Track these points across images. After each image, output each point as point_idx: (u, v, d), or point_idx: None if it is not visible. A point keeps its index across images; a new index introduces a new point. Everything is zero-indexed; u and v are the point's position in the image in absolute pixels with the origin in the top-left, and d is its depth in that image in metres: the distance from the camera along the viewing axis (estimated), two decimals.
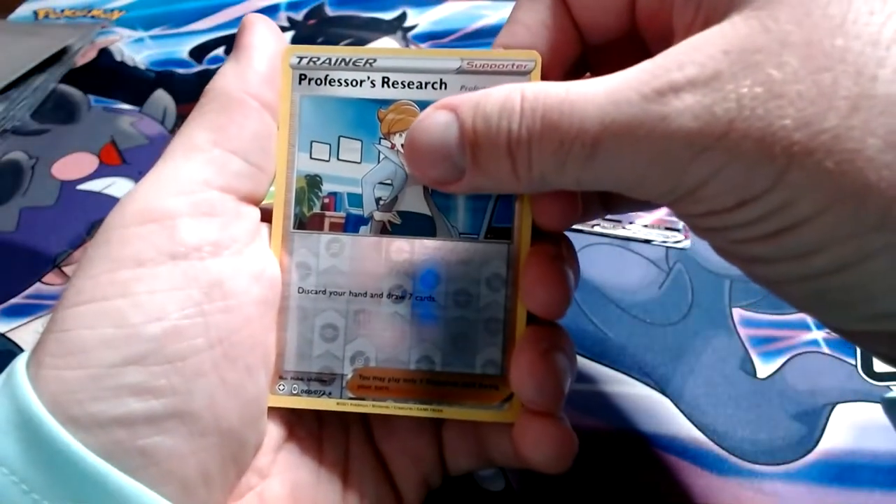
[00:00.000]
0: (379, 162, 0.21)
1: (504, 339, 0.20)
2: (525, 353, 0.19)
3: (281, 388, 0.20)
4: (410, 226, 0.21)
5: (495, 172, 0.17)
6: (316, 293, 0.21)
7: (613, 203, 0.24)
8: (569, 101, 0.15)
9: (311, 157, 0.21)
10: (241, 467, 0.19)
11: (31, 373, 0.17)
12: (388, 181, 0.21)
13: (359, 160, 0.21)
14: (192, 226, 0.18)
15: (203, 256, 0.18)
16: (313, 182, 0.21)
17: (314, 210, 0.21)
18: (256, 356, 0.19)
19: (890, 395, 0.17)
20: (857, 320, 0.16)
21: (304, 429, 0.21)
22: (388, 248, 0.21)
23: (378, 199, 0.21)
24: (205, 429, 0.17)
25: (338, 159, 0.21)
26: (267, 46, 0.20)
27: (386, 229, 0.21)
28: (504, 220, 0.20)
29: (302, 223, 0.21)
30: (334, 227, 0.21)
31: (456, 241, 0.20)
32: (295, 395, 0.20)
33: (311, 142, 0.21)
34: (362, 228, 0.21)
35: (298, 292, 0.21)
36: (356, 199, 0.21)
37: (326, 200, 0.21)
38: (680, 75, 0.14)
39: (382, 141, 0.21)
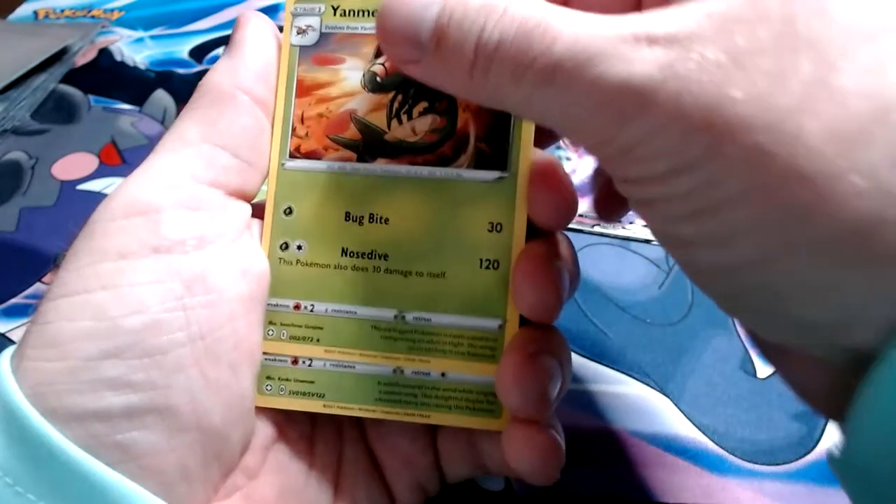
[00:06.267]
0: None
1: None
2: (511, 356, 0.18)
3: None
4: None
5: (453, 66, 0.16)
6: None
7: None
8: (549, 20, 0.15)
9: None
10: (226, 466, 0.19)
11: (14, 365, 0.17)
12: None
13: None
14: (177, 219, 0.18)
15: (186, 250, 0.18)
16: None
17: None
18: (241, 353, 0.19)
19: (834, 450, 0.16)
20: (778, 328, 0.15)
21: (296, 429, 0.21)
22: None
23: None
24: (184, 424, 0.17)
25: None
26: (260, 42, 0.20)
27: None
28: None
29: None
30: None
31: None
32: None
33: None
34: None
35: None
36: None
37: None
38: (660, 29, 0.14)
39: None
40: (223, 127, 0.19)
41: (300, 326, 0.20)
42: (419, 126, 0.20)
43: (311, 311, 0.20)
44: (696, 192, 0.14)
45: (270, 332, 0.20)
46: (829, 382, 0.16)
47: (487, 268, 0.20)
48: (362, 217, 0.20)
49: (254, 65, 0.20)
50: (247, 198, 0.20)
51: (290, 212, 0.20)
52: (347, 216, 0.20)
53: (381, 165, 0.20)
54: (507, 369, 0.18)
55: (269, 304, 0.20)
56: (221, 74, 0.20)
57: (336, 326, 0.20)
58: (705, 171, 0.14)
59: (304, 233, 0.20)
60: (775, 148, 0.13)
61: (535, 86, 0.15)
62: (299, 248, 0.20)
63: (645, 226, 0.35)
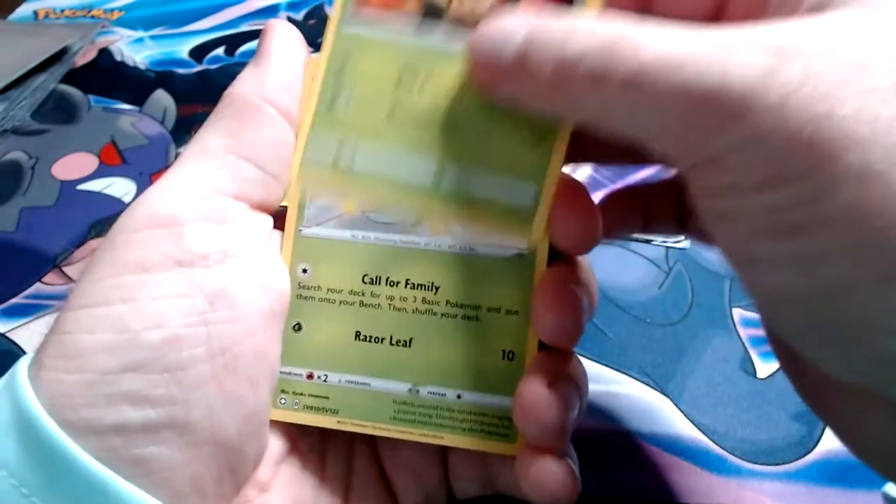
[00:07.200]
0: None
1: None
2: (529, 383, 0.18)
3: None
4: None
5: (535, 86, 0.16)
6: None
7: (655, 219, 0.24)
8: (636, 33, 0.14)
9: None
10: (239, 479, 0.19)
11: (32, 374, 0.16)
12: None
13: None
14: (201, 233, 0.18)
15: (209, 264, 0.18)
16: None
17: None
18: (260, 368, 0.19)
19: (889, 491, 0.15)
20: (856, 364, 0.15)
21: (307, 443, 0.21)
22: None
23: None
24: (201, 439, 0.17)
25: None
26: (287, 52, 0.20)
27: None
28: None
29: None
30: None
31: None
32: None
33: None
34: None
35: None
36: None
37: None
38: (759, 37, 0.13)
39: None
40: (248, 138, 0.19)
41: (338, 175, 0.20)
42: (479, 7, 0.19)
43: (352, 159, 0.20)
44: (793, 206, 0.13)
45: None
46: (891, 432, 0.15)
47: (534, 144, 0.19)
48: (413, 85, 0.19)
49: (280, 75, 0.20)
50: (269, 211, 0.20)
51: (343, 70, 0.20)
52: (398, 83, 0.20)
53: (442, 26, 0.19)
54: (524, 397, 0.18)
55: (311, 136, 0.20)
56: (247, 84, 0.19)
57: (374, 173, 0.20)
58: (807, 185, 0.13)
59: (353, 85, 0.20)
60: (885, 168, 0.12)
61: (617, 93, 0.14)
62: (347, 101, 0.20)
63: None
